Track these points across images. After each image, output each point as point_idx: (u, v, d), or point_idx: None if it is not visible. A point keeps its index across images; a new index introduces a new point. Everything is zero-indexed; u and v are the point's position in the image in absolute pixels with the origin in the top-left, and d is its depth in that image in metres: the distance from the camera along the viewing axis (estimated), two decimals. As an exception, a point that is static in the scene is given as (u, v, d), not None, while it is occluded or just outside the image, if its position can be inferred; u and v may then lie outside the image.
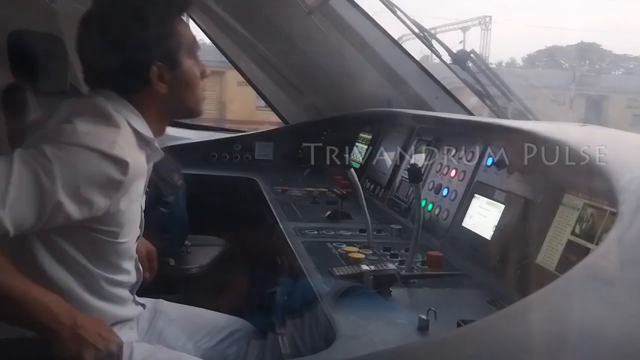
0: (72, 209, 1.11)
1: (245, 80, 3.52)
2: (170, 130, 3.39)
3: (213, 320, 1.61)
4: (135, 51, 1.24)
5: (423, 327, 1.13)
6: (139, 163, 1.23)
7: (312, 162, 2.94)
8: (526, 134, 1.51)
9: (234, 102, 10.48)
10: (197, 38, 1.41)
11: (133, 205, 1.26)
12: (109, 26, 1.25)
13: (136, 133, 1.24)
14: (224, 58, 3.50)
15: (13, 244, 1.09)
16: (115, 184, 1.16)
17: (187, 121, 3.30)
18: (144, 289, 1.61)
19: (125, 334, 1.31)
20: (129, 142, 1.20)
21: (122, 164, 1.15)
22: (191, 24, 3.26)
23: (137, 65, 1.25)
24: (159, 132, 1.34)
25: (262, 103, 3.63)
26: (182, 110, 1.38)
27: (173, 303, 1.61)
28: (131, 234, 1.30)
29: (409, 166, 2.07)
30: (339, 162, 2.67)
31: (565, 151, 1.29)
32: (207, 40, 3.39)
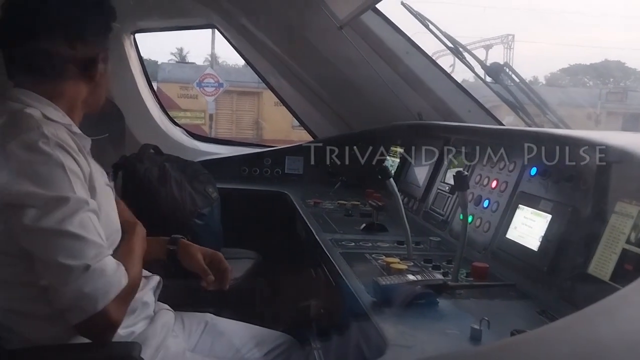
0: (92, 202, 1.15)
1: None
2: (201, 146, 3.45)
3: (259, 334, 1.62)
4: (85, 36, 1.27)
5: (476, 337, 1.09)
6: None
7: (343, 176, 2.95)
8: (571, 141, 1.48)
9: (271, 122, 10.65)
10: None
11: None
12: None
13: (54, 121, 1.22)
14: (259, 79, 3.55)
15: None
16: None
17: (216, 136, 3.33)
18: (177, 304, 1.62)
19: (174, 343, 1.31)
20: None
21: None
22: (225, 43, 3.32)
23: (88, 48, 1.27)
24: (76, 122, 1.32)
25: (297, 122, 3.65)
26: (93, 101, 1.35)
27: (221, 317, 1.63)
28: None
29: (451, 183, 2.06)
30: (371, 176, 2.66)
31: (616, 157, 1.26)
32: (242, 61, 3.45)
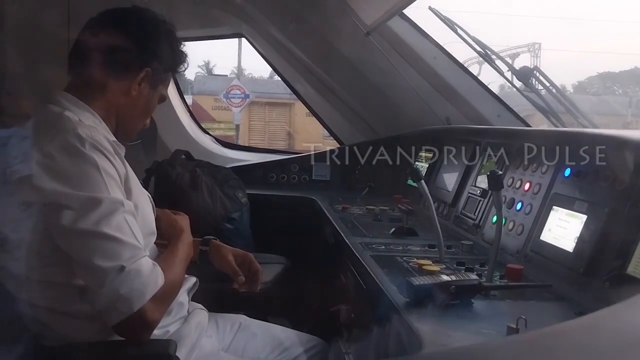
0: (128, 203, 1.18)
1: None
2: (230, 153, 3.49)
3: (291, 336, 1.63)
4: (138, 48, 1.33)
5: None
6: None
7: (371, 182, 2.95)
8: (606, 140, 1.45)
9: (302, 132, 10.75)
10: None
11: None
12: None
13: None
14: (290, 91, 3.58)
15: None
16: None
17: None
18: (208, 307, 1.64)
19: (208, 343, 1.33)
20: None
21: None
22: (255, 53, 3.37)
23: (133, 60, 1.33)
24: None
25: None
26: (127, 123, 1.38)
27: (254, 319, 1.64)
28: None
29: (483, 187, 2.05)
30: (399, 181, 2.66)
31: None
32: (267, 73, 3.50)
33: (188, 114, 3.50)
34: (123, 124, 1.37)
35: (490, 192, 1.92)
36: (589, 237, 1.39)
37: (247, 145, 4.38)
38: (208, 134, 3.57)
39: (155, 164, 2.30)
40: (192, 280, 1.49)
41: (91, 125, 1.23)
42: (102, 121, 1.30)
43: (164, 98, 1.46)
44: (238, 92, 12.70)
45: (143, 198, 1.32)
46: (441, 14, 2.68)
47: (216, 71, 21.26)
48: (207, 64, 21.36)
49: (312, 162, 3.18)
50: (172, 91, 3.36)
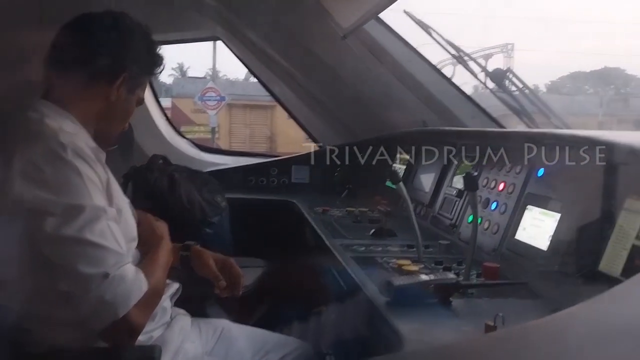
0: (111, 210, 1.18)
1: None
2: (208, 157, 3.48)
3: (273, 340, 1.63)
4: (116, 52, 1.32)
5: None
6: None
7: (350, 184, 2.97)
8: (578, 140, 1.50)
9: (284, 135, 10.73)
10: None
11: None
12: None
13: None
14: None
15: None
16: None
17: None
18: (191, 309, 1.64)
19: (191, 348, 1.33)
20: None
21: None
22: (226, 56, 3.36)
23: (110, 65, 1.32)
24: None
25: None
26: (106, 127, 1.38)
27: (236, 324, 1.65)
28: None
29: (459, 187, 2.08)
30: (378, 183, 2.68)
31: (623, 155, 1.29)
32: (242, 75, 3.50)
33: (164, 118, 3.47)
34: (102, 129, 1.37)
35: (466, 192, 1.96)
36: (563, 236, 1.44)
37: (225, 149, 4.35)
38: (185, 137, 3.55)
39: (133, 169, 2.29)
40: (175, 286, 1.49)
41: (72, 132, 1.22)
42: (82, 127, 1.29)
43: (142, 101, 1.45)
44: (213, 94, 12.60)
45: (124, 204, 1.31)
46: (416, 17, 2.72)
47: (190, 73, 21.12)
48: (181, 66, 21.21)
49: (292, 165, 3.19)
50: (148, 95, 3.33)
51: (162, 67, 1.46)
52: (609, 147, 1.32)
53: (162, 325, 1.38)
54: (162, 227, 1.46)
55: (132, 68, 1.35)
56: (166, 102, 12.65)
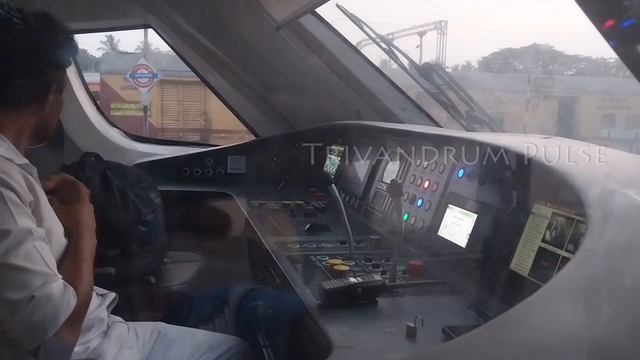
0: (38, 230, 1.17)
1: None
2: (140, 147, 3.43)
3: (210, 339, 1.67)
4: (42, 70, 1.29)
5: (411, 335, 1.20)
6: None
7: (286, 175, 3.02)
8: (493, 147, 1.61)
9: (218, 112, 10.52)
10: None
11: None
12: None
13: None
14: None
15: None
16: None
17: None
18: (129, 309, 1.66)
19: (129, 355, 1.36)
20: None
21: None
22: (160, 40, 3.30)
23: (40, 82, 1.29)
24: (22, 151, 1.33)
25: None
26: (43, 132, 1.37)
27: (172, 325, 1.67)
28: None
29: (389, 182, 2.18)
30: (312, 174, 2.75)
31: (532, 164, 1.40)
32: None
33: (94, 107, 3.38)
34: (39, 135, 1.36)
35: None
36: (479, 235, 1.56)
37: (158, 138, 4.28)
38: (116, 127, 3.47)
39: (64, 167, 2.24)
40: (112, 295, 1.50)
41: None
42: (12, 145, 1.26)
43: (65, 84, 1.41)
44: (145, 71, 12.17)
45: (55, 221, 1.30)
46: (348, 12, 2.77)
47: (121, 47, 20.24)
48: (110, 39, 20.27)
49: (227, 155, 3.21)
50: (76, 84, 3.23)
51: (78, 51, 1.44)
52: (518, 155, 1.44)
53: (99, 334, 1.39)
54: (79, 206, 1.39)
55: (58, 76, 1.34)
56: (95, 78, 12.12)
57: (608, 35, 0.77)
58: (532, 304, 0.77)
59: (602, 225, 0.91)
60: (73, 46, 1.40)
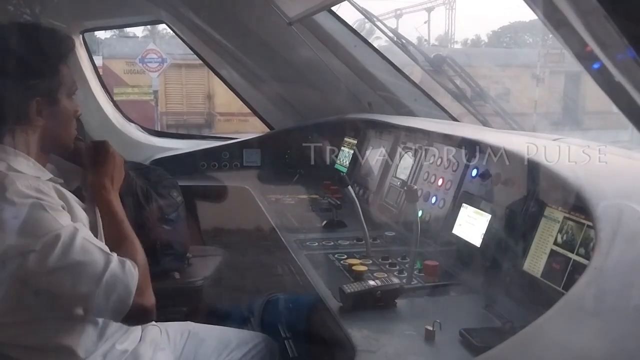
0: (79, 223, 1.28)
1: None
2: (157, 141, 3.49)
3: (237, 336, 1.75)
4: (18, 85, 1.29)
5: (429, 338, 1.27)
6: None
7: (301, 168, 3.09)
8: (507, 151, 1.65)
9: (222, 95, 10.53)
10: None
11: None
12: None
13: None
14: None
15: None
16: None
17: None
18: (157, 306, 1.74)
19: (162, 356, 1.45)
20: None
21: None
22: (176, 38, 3.34)
23: (18, 98, 1.30)
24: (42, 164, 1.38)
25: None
26: (55, 143, 1.40)
27: (200, 324, 1.76)
28: None
29: (402, 178, 2.23)
30: (326, 167, 2.81)
31: (542, 169, 1.45)
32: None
33: (112, 104, 3.44)
34: (55, 145, 1.41)
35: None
36: (493, 236, 1.61)
37: (172, 132, 4.32)
38: (133, 122, 3.54)
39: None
40: None
41: (24, 174, 1.27)
42: (35, 162, 1.33)
43: (74, 90, 1.41)
44: (155, 56, 12.15)
45: (81, 212, 1.37)
46: (359, 5, 2.79)
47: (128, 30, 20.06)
48: (117, 23, 20.07)
49: (243, 149, 3.27)
50: (93, 82, 3.29)
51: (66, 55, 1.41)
52: (531, 163, 1.48)
53: (135, 339, 1.48)
54: (101, 169, 1.48)
55: (42, 85, 1.32)
56: (97, 61, 12.04)
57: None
58: (542, 325, 0.83)
59: (610, 242, 0.96)
60: (56, 52, 1.37)
